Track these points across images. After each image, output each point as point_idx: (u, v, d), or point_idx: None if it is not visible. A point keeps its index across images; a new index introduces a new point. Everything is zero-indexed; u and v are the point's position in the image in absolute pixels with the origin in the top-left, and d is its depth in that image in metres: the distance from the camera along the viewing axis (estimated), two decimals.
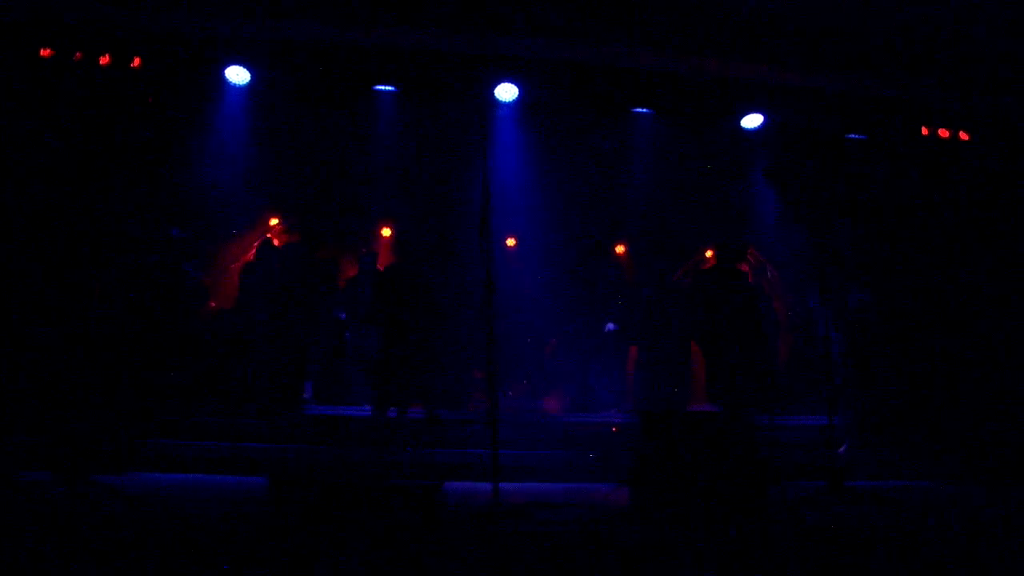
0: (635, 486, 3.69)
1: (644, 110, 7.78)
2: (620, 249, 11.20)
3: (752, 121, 7.72)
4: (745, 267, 9.74)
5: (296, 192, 8.53)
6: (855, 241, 7.99)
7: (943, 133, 7.68)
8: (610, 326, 8.57)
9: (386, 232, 10.89)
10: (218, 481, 4.69)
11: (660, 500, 3.59)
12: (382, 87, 7.48)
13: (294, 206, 8.77)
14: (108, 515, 3.05)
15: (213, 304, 8.04)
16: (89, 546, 2.81)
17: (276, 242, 8.37)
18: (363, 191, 8.47)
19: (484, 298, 3.28)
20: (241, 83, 7.25)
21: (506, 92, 7.51)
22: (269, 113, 7.46)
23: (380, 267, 8.40)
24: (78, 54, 7.23)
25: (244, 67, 7.15)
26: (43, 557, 2.82)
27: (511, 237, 10.80)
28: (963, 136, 7.69)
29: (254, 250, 8.42)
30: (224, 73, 7.18)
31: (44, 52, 7.23)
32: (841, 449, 7.02)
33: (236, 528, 2.71)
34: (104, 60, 7.22)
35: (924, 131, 7.59)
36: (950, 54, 7.16)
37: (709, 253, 10.95)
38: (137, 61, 7.23)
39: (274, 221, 10.07)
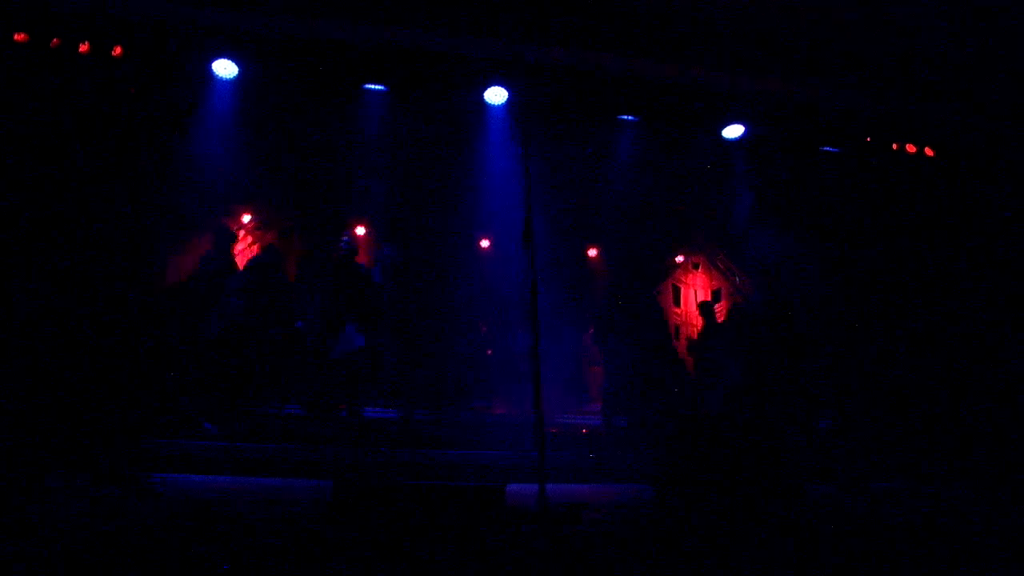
0: (661, 487, 3.78)
1: (630, 117, 7.91)
2: (593, 253, 11.40)
3: (733, 131, 7.94)
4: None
5: (281, 189, 8.38)
6: (823, 249, 8.33)
7: (910, 148, 8.07)
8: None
9: (360, 231, 10.83)
10: (278, 484, 4.55)
11: (686, 500, 3.68)
12: (372, 86, 7.42)
13: (278, 203, 8.62)
14: (156, 517, 2.99)
15: None
16: (134, 552, 2.76)
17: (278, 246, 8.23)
18: (349, 189, 8.37)
19: (529, 304, 3.31)
20: (228, 77, 7.10)
21: (496, 95, 7.58)
22: (257, 108, 7.32)
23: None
24: (55, 40, 6.98)
25: (232, 61, 7.01)
26: (75, 560, 2.75)
27: (485, 238, 10.90)
28: (928, 152, 8.09)
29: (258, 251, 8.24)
30: (211, 66, 7.02)
31: (18, 37, 6.96)
32: None
33: (301, 530, 2.70)
34: (83, 48, 6.99)
35: (894, 146, 7.94)
36: (922, 72, 7.55)
37: (680, 258, 11.27)
38: (118, 50, 7.02)
39: (247, 218, 9.91)
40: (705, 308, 9.20)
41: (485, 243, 10.74)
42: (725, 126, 7.92)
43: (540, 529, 2.88)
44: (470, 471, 5.10)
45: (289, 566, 2.45)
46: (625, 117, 7.93)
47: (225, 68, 7.06)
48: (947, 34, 7.19)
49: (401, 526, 2.61)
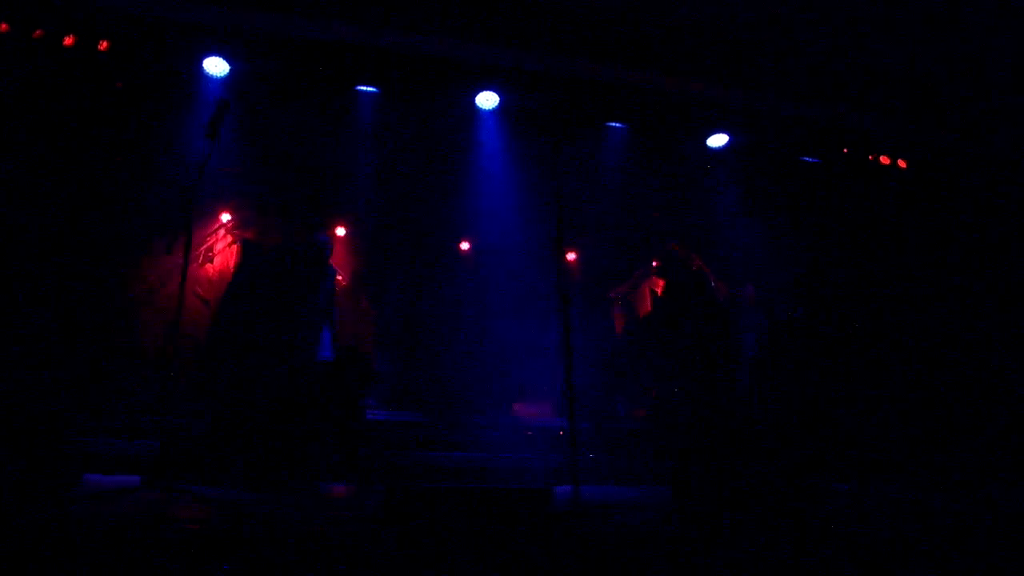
0: (677, 488, 3.88)
1: (617, 124, 8.06)
2: (571, 256, 11.51)
3: (718, 140, 8.16)
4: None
5: (267, 188, 8.29)
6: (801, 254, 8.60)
7: (884, 160, 8.40)
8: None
9: (341, 231, 10.73)
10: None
11: (701, 501, 3.79)
12: (364, 87, 7.41)
13: (263, 202, 8.51)
14: (197, 522, 2.97)
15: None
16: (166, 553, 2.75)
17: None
18: (336, 190, 8.33)
19: (562, 310, 3.36)
20: (219, 75, 7.01)
21: (487, 100, 7.65)
22: (248, 106, 7.24)
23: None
24: (38, 32, 6.80)
25: (223, 58, 6.93)
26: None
27: (465, 241, 10.92)
28: (901, 164, 8.43)
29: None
30: (202, 63, 6.93)
31: None
32: None
33: (354, 535, 2.71)
34: (68, 41, 6.82)
35: (870, 157, 8.26)
36: (895, 91, 7.89)
37: (655, 264, 11.43)
38: (104, 45, 6.88)
39: (226, 217, 9.76)
40: None
41: (465, 246, 10.77)
42: (710, 135, 8.13)
43: (581, 529, 2.95)
44: (484, 473, 5.16)
45: (345, 570, 2.47)
46: (613, 124, 8.08)
47: (216, 66, 6.97)
48: (919, 61, 7.58)
49: (452, 528, 2.65)
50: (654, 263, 11.35)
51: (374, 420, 6.97)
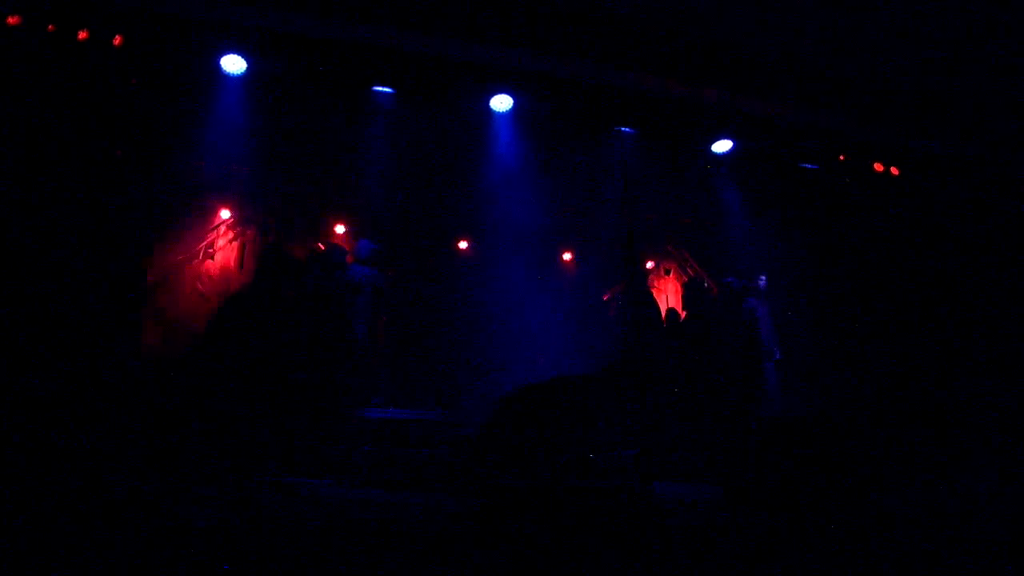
0: (729, 487, 4.05)
1: (627, 129, 8.21)
2: (567, 257, 11.67)
3: (722, 146, 8.37)
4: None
5: (280, 186, 8.27)
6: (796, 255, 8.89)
7: (878, 167, 8.73)
8: None
9: (340, 229, 10.71)
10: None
11: (753, 499, 3.96)
12: (380, 88, 7.44)
13: (272, 199, 8.48)
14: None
15: None
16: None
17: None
18: (350, 188, 8.36)
19: (633, 315, 3.47)
20: (237, 72, 6.98)
21: (501, 102, 7.74)
22: (264, 104, 7.22)
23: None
24: (51, 26, 6.69)
25: (241, 56, 6.89)
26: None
27: (463, 240, 11.00)
28: (894, 171, 8.77)
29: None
30: (219, 61, 6.89)
31: (11, 20, 6.63)
32: None
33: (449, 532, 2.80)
34: (82, 35, 6.72)
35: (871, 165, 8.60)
36: (889, 101, 8.22)
37: (650, 264, 11.66)
38: (119, 40, 6.79)
39: (226, 213, 9.69)
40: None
41: (463, 244, 10.84)
42: (715, 141, 8.34)
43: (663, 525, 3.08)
44: None
45: (447, 567, 2.56)
46: (623, 128, 8.23)
47: (234, 64, 6.94)
48: (910, 73, 7.91)
49: (558, 526, 2.75)
50: (649, 264, 11.62)
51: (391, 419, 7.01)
